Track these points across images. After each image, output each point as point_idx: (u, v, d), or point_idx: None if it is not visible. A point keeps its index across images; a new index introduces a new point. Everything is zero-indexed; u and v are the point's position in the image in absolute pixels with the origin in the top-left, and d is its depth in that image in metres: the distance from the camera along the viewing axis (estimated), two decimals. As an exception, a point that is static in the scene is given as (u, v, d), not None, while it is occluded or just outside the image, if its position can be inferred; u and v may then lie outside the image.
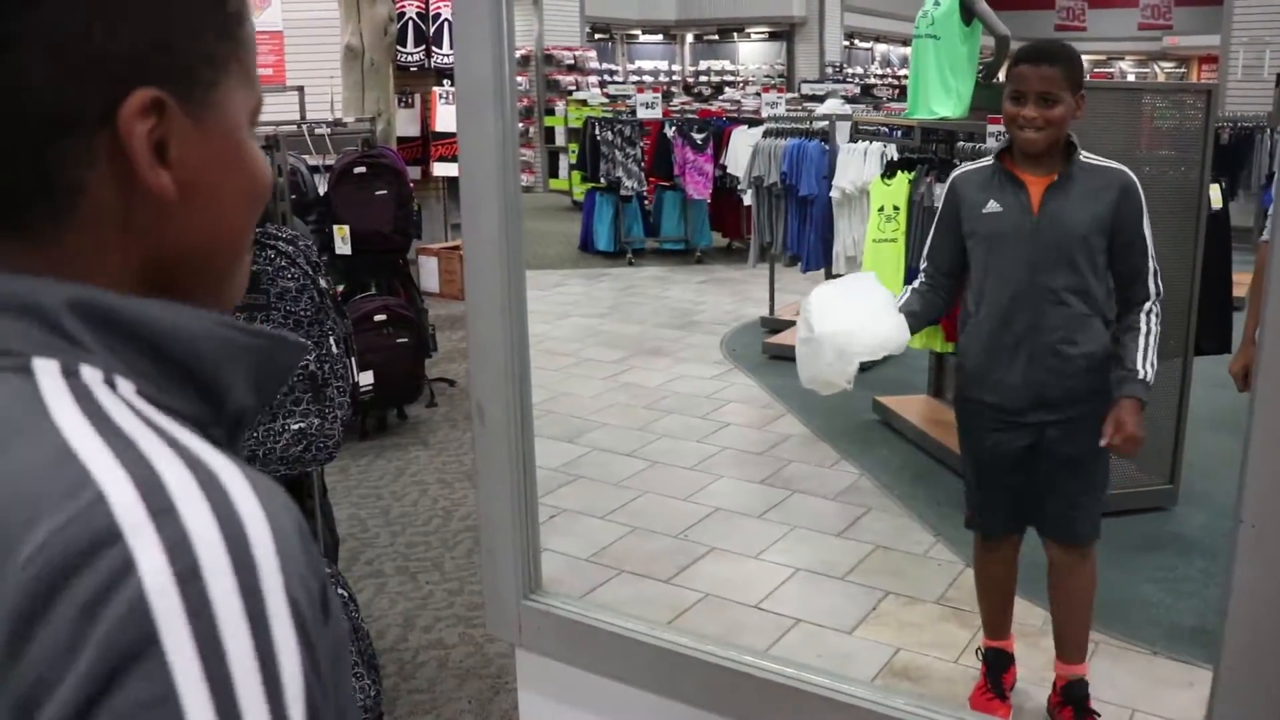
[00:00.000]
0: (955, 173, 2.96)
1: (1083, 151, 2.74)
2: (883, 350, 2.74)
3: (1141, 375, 2.67)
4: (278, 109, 7.02)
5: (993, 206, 2.76)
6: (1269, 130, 10.04)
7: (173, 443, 0.57)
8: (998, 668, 3.07)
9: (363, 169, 5.50)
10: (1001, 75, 5.46)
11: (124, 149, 0.62)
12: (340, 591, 2.71)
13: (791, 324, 7.37)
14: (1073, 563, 2.87)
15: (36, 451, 0.56)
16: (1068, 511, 2.85)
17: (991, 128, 4.65)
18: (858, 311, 2.71)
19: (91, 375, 0.60)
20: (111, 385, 0.60)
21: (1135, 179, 2.72)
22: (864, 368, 2.79)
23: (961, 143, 5.02)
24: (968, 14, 5.14)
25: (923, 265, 2.96)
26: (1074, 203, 2.69)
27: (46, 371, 0.59)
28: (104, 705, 0.49)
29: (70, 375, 0.59)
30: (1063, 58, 2.69)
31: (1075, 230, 2.68)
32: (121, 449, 0.56)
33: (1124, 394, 2.66)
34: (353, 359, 2.58)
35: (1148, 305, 2.72)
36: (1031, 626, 3.43)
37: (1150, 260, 2.72)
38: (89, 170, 0.62)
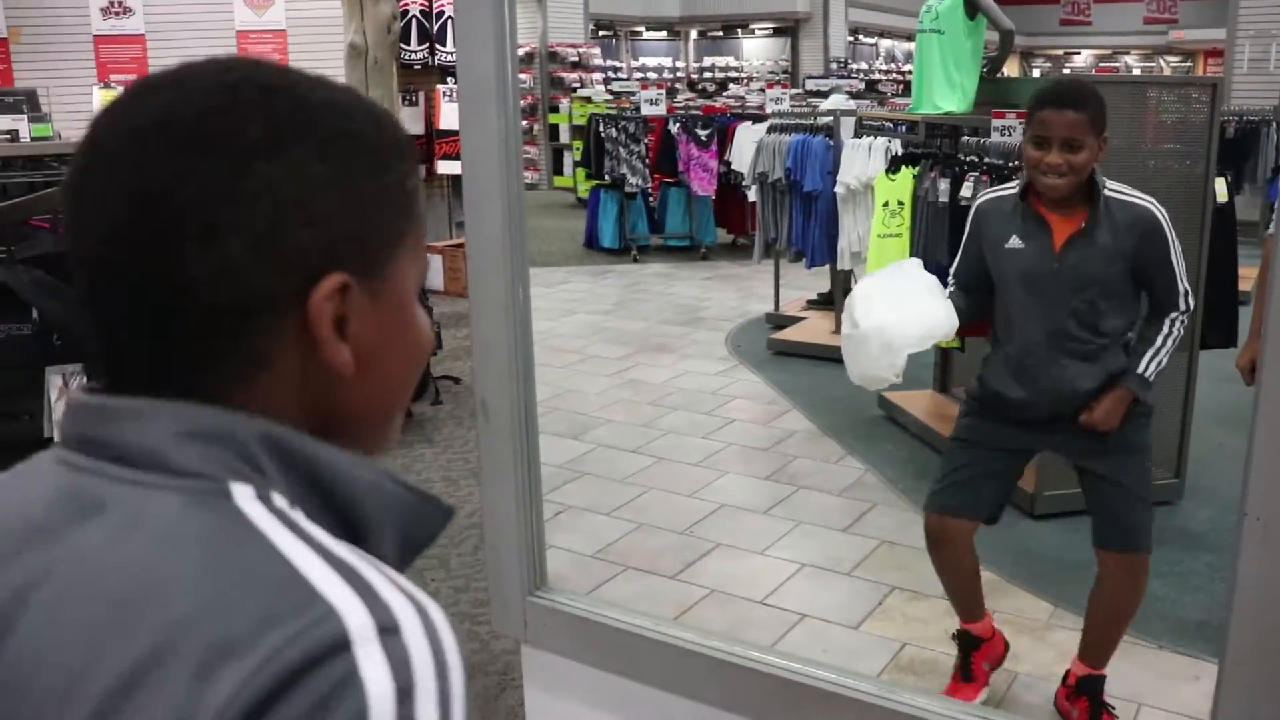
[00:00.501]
0: (980, 199, 2.93)
1: (1110, 184, 2.69)
2: (930, 339, 2.74)
3: (1142, 371, 2.71)
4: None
5: (1014, 243, 2.73)
6: (1274, 124, 10.02)
7: (380, 569, 0.63)
8: (967, 648, 3.08)
9: (367, 167, 5.50)
10: (1006, 69, 5.46)
11: (310, 327, 0.68)
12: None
13: (796, 320, 7.38)
14: (1124, 575, 2.85)
15: (260, 565, 0.62)
16: (1126, 522, 2.82)
17: (996, 122, 4.65)
18: (902, 301, 2.71)
19: (282, 502, 0.66)
20: (294, 512, 0.66)
21: (1161, 216, 2.68)
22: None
23: (966, 137, 5.01)
24: (972, 8, 5.13)
25: (950, 280, 2.93)
26: (1098, 248, 2.66)
27: (245, 496, 0.65)
28: None
29: (264, 500, 0.65)
30: (1087, 101, 2.64)
31: (1096, 275, 2.67)
32: (344, 571, 0.62)
33: (1119, 384, 2.71)
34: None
35: (1174, 315, 2.73)
36: (1037, 621, 3.44)
37: (1179, 283, 2.71)
38: (277, 343, 0.68)
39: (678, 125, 9.91)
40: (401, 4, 8.92)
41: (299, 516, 0.66)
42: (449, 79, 9.25)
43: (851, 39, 21.38)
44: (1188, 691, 3.06)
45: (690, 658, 2.01)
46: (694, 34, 22.65)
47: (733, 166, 9.37)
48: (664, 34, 22.23)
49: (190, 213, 0.65)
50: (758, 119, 9.23)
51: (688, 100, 13.54)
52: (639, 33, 21.93)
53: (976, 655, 3.08)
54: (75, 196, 0.68)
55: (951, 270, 2.96)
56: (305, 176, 0.67)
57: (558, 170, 14.70)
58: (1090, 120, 2.61)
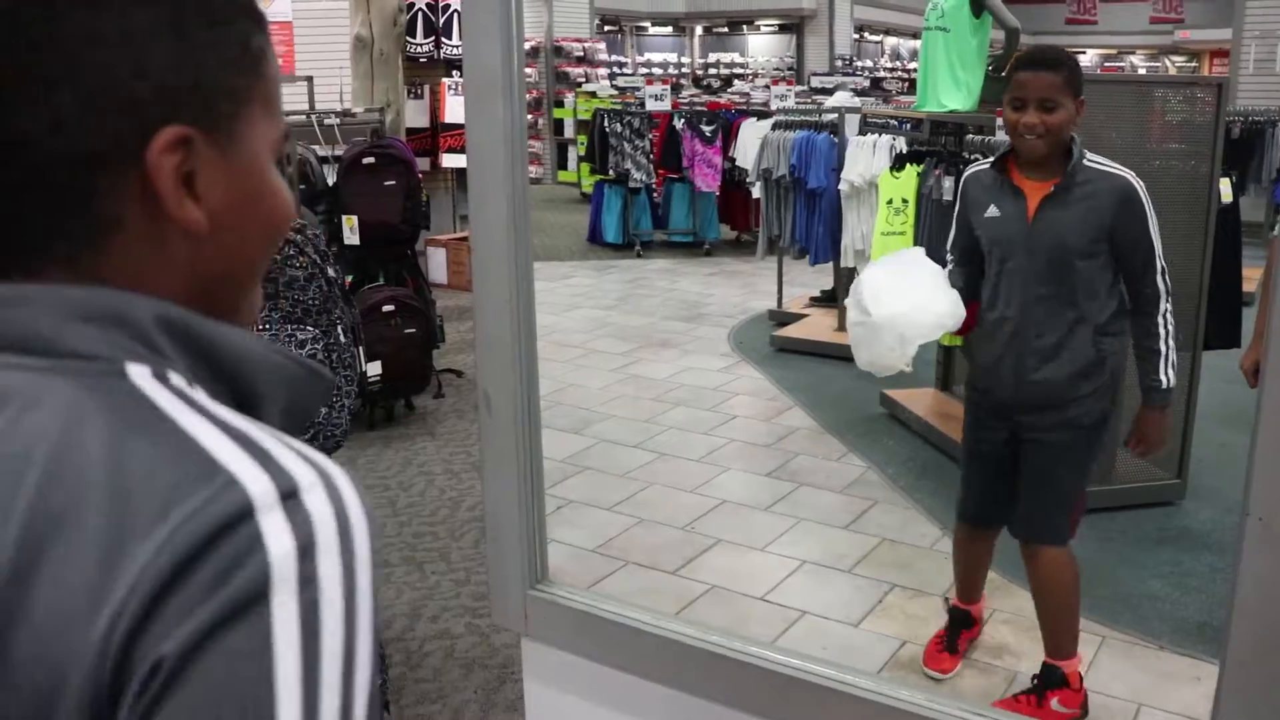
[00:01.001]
0: (967, 170, 2.99)
1: (1089, 155, 2.72)
2: (940, 329, 2.78)
3: (1164, 384, 2.75)
4: (287, 99, 7.01)
5: (993, 211, 2.80)
6: (1280, 125, 10.00)
7: (281, 439, 0.64)
8: (957, 624, 3.20)
9: (371, 160, 5.50)
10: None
11: (152, 181, 0.66)
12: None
13: (799, 317, 7.38)
14: (1038, 564, 2.91)
15: (160, 441, 0.62)
16: (1034, 513, 2.91)
17: (1001, 120, 4.64)
18: (913, 291, 2.75)
19: (180, 380, 0.66)
20: (193, 389, 0.66)
21: (1138, 186, 2.70)
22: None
23: (971, 135, 5.00)
24: (977, 6, 5.12)
25: (948, 255, 3.01)
26: (1070, 212, 2.69)
27: (141, 375, 0.65)
28: (209, 648, 0.55)
29: (161, 379, 0.65)
30: (1062, 64, 2.69)
31: (1068, 240, 2.70)
32: (245, 442, 0.62)
33: (1148, 403, 2.77)
34: (360, 348, 2.59)
35: (1161, 307, 2.73)
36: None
37: (1157, 260, 2.72)
38: (123, 203, 0.66)
39: (682, 121, 9.91)
40: (407, -3, 8.91)
41: (198, 393, 0.66)
42: (454, 72, 9.25)
43: (857, 36, 21.36)
44: (1188, 692, 3.06)
45: (690, 653, 2.00)
46: (699, 30, 22.63)
47: (737, 163, 9.36)
48: (669, 29, 22.21)
49: (13, 64, 0.63)
50: (762, 115, 9.22)
51: (693, 96, 13.52)
52: (644, 28, 21.91)
53: (965, 633, 3.19)
54: None
55: (948, 243, 3.02)
56: (132, 25, 0.65)
57: (562, 165, 14.69)
58: (1065, 81, 2.64)
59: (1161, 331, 2.74)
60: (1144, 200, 2.69)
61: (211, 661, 0.56)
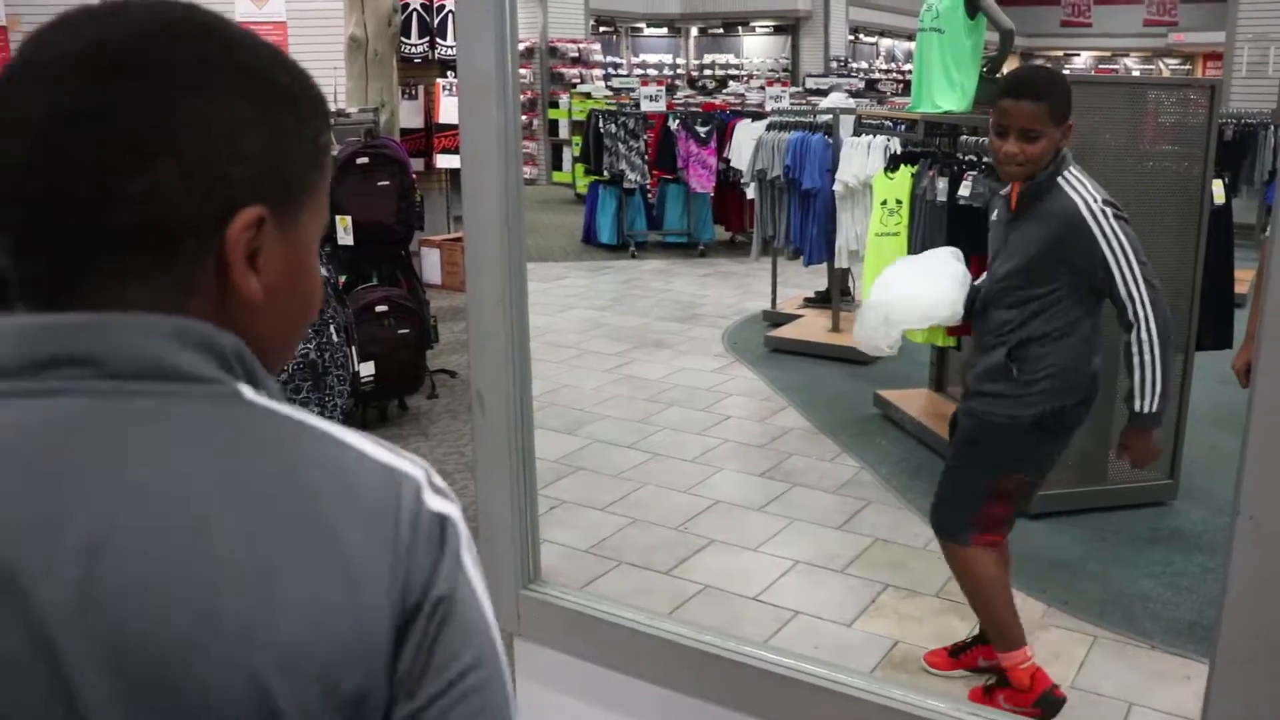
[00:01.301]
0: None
1: (1071, 170, 2.72)
2: (926, 321, 2.91)
3: (1141, 409, 2.72)
4: (281, 99, 7.00)
5: (994, 216, 2.93)
6: (1272, 127, 10.03)
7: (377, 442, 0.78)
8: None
9: (366, 160, 5.50)
10: (1006, 69, 5.45)
11: (227, 254, 0.72)
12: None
13: (793, 318, 7.39)
14: (947, 556, 2.98)
15: (339, 447, 0.74)
16: (936, 499, 3.00)
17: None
18: (914, 282, 2.86)
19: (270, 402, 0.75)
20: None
21: (1090, 216, 2.67)
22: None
23: (965, 137, 5.01)
24: (972, 8, 5.13)
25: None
26: (1026, 226, 2.76)
27: (255, 396, 0.74)
28: (460, 583, 0.75)
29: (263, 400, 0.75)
30: (1047, 91, 2.68)
31: (1019, 251, 2.76)
32: (372, 441, 0.76)
33: (1129, 424, 2.78)
34: (353, 348, 2.59)
35: (1139, 332, 2.68)
36: (1030, 620, 3.43)
37: (1123, 284, 2.67)
38: (200, 269, 0.72)
39: (677, 122, 9.91)
40: (402, -3, 8.91)
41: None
42: (449, 73, 9.24)
43: (852, 38, 21.39)
44: (1179, 691, 3.07)
45: (683, 652, 2.01)
46: (694, 31, 22.63)
47: (732, 164, 9.37)
48: (665, 30, 22.22)
49: (125, 135, 0.68)
50: (757, 116, 9.23)
51: (687, 97, 13.53)
52: (639, 29, 21.91)
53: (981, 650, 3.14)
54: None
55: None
56: (234, 115, 0.72)
57: (556, 166, 14.69)
58: (1049, 110, 2.64)
59: (1136, 355, 2.69)
60: (1094, 225, 2.66)
61: (463, 592, 0.74)
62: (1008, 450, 2.85)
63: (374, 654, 0.70)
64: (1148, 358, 2.68)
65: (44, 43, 0.70)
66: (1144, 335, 2.68)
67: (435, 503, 0.75)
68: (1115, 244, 2.66)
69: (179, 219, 0.70)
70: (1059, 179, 2.71)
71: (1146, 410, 2.71)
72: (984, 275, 2.94)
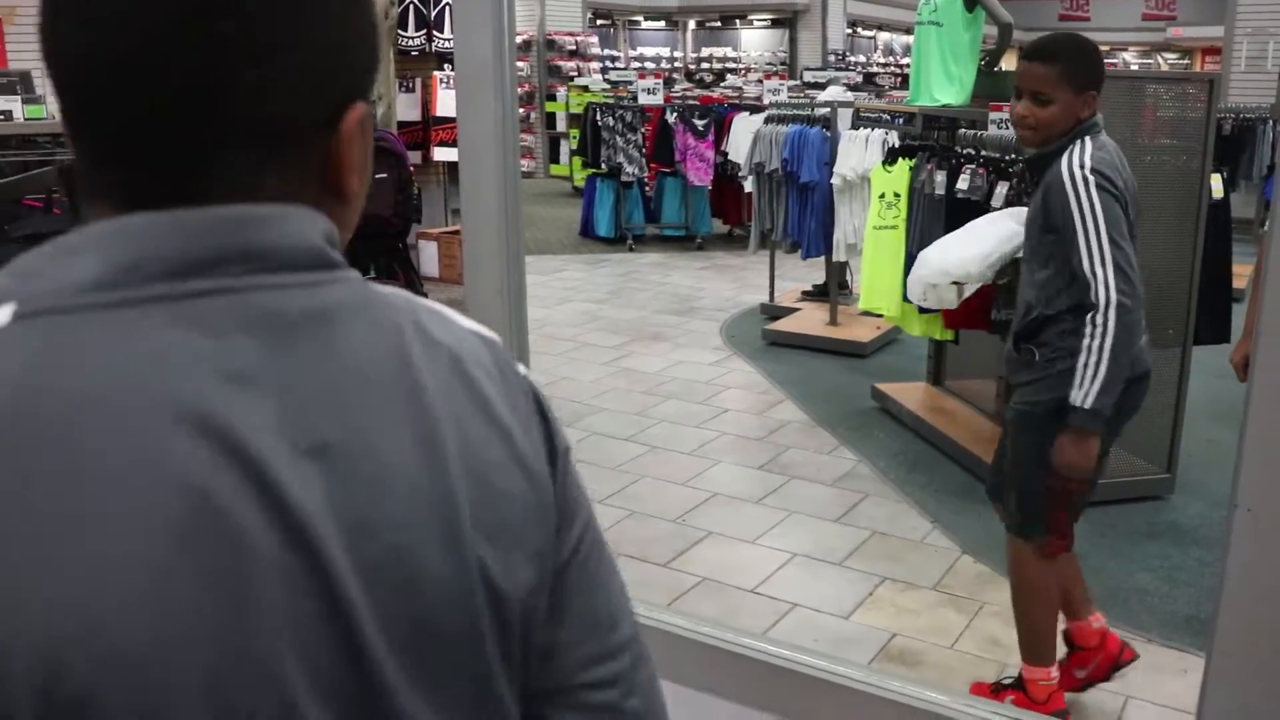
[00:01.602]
0: None
1: (1085, 145, 2.57)
2: (945, 275, 3.06)
3: (1076, 402, 2.50)
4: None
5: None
6: (1271, 121, 10.03)
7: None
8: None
9: (365, 151, 5.49)
10: (1004, 63, 5.45)
11: (340, 149, 0.70)
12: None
13: (790, 311, 7.39)
14: (1008, 548, 2.88)
15: (446, 320, 0.76)
16: (1006, 496, 2.84)
17: (993, 115, 4.65)
18: (956, 239, 2.89)
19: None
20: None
21: (1069, 177, 2.53)
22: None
23: (963, 130, 5.01)
24: (970, 1, 5.13)
25: None
26: (1035, 195, 2.73)
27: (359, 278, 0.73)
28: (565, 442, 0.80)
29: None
30: (1061, 55, 2.59)
31: (1028, 224, 2.75)
32: (457, 314, 0.79)
33: (1064, 423, 2.55)
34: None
35: (1094, 315, 2.50)
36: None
37: (1096, 266, 2.49)
38: (310, 163, 0.70)
39: (675, 115, 9.90)
40: (399, -11, 8.88)
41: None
42: (446, 66, 9.22)
43: (850, 31, 21.35)
44: (1175, 685, 3.08)
45: (681, 643, 2.01)
46: (692, 24, 22.59)
47: (729, 157, 9.36)
48: (662, 24, 22.18)
49: (259, 21, 0.65)
50: (755, 110, 9.22)
51: (685, 90, 13.52)
52: (637, 22, 21.87)
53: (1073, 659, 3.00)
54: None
55: None
56: (347, 12, 0.70)
57: (554, 159, 14.68)
58: (1061, 73, 2.55)
59: (1087, 338, 2.50)
60: (1070, 186, 2.52)
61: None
62: (1043, 442, 2.61)
63: (545, 506, 0.75)
64: (1096, 344, 2.48)
65: None
66: (1100, 321, 2.48)
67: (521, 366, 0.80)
68: (1087, 211, 2.50)
69: (300, 111, 0.68)
70: (1070, 147, 2.57)
71: (1081, 402, 2.49)
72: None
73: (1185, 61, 23.58)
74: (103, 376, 0.60)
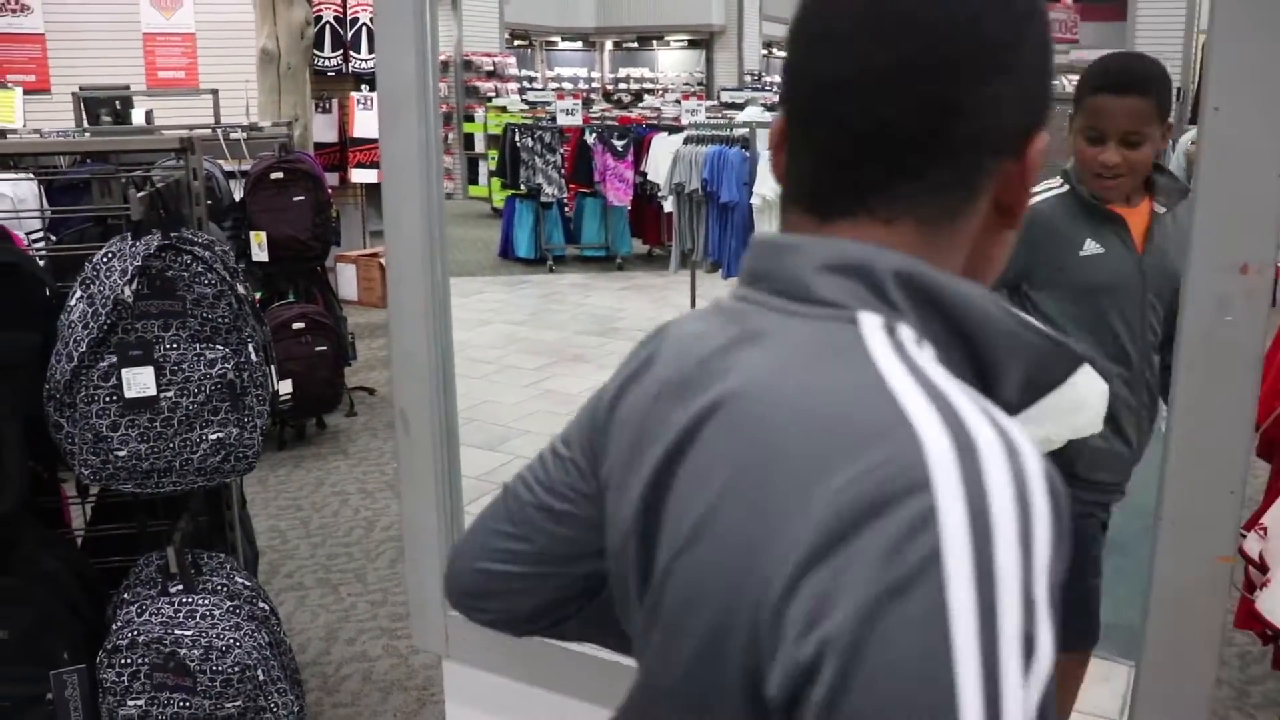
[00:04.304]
0: (1036, 201, 2.23)
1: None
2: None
3: None
4: (191, 113, 6.87)
5: (1092, 247, 2.24)
6: (1171, 141, 10.36)
7: (976, 400, 0.64)
8: None
9: (280, 174, 5.40)
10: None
11: (1015, 175, 0.74)
12: (261, 605, 2.65)
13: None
14: None
15: (853, 377, 0.65)
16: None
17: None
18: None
19: (907, 334, 0.69)
20: (919, 345, 0.69)
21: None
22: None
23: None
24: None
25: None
26: (1170, 236, 2.25)
27: (870, 324, 0.69)
28: (885, 615, 0.55)
29: (889, 331, 0.68)
30: (1153, 83, 2.15)
31: (1175, 269, 2.07)
32: (934, 396, 0.63)
33: None
34: (272, 367, 2.53)
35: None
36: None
37: None
38: (988, 177, 0.73)
39: (594, 136, 9.92)
40: (315, 9, 8.79)
41: (923, 350, 0.68)
42: (363, 86, 9.14)
43: (765, 52, 21.62)
44: (1097, 692, 3.13)
45: (614, 670, 1.99)
46: (609, 45, 22.71)
47: (649, 177, 9.40)
48: (579, 44, 22.25)
49: (988, 45, 0.71)
50: (673, 130, 9.28)
51: (604, 111, 13.55)
52: (554, 43, 21.92)
53: None
54: (863, 28, 0.71)
55: None
56: (1045, 39, 0.75)
57: (473, 180, 14.60)
58: (1157, 106, 2.13)
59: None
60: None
61: (889, 628, 0.55)
62: None
63: None
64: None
65: None
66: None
67: (943, 497, 0.58)
68: None
69: (999, 135, 0.72)
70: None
71: None
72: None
73: (1089, 83, 24.30)
74: None
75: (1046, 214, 2.22)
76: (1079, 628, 2.53)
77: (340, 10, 9.13)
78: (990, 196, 0.74)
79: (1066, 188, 2.24)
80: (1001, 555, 0.56)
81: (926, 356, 0.67)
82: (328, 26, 9.07)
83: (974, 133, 0.71)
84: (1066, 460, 2.12)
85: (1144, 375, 2.30)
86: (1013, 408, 0.72)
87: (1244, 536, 2.65)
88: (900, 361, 0.66)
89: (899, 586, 0.55)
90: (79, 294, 2.38)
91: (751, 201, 6.36)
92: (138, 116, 6.72)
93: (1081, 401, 1.95)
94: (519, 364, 6.86)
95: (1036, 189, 2.19)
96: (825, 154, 0.74)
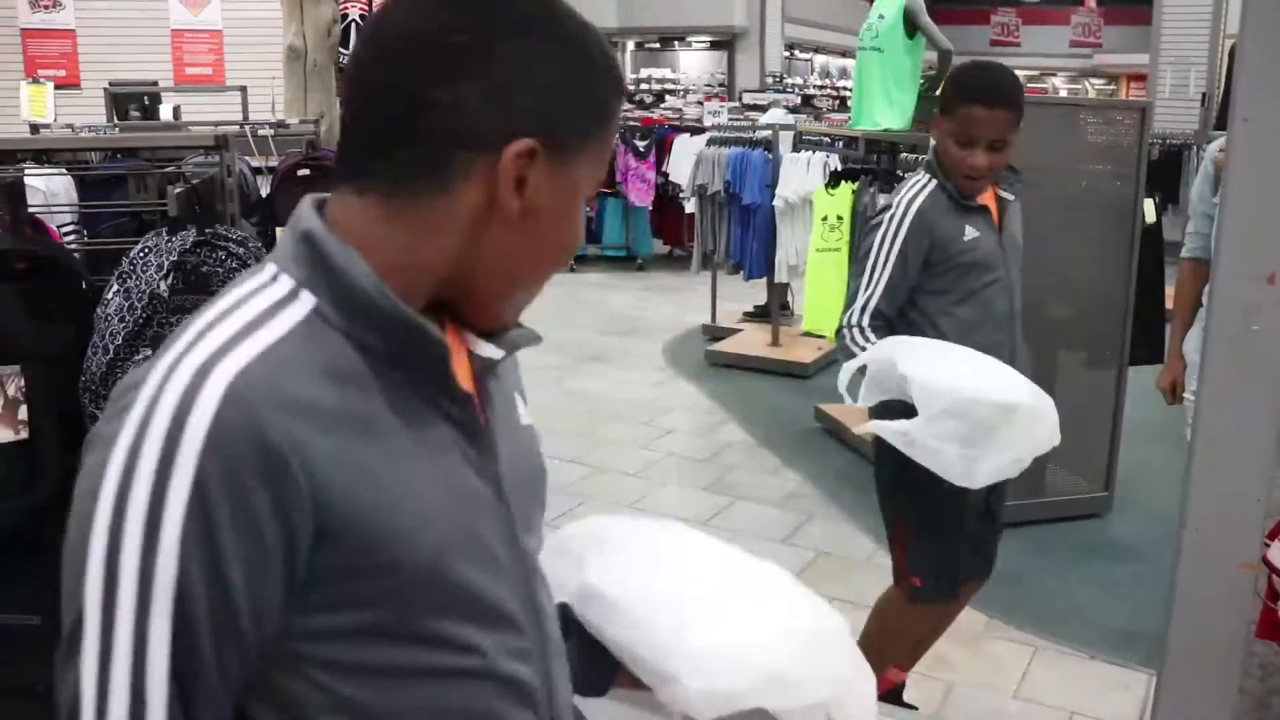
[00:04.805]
0: (917, 199, 2.52)
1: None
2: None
3: None
4: (218, 109, 6.92)
5: (970, 232, 2.51)
6: (1195, 147, 10.30)
7: (244, 333, 0.81)
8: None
9: (306, 171, 5.43)
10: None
11: (500, 174, 0.86)
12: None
13: (732, 332, 7.43)
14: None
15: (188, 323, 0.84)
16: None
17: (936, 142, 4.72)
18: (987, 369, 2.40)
19: (283, 282, 0.85)
20: (294, 296, 0.85)
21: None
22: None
23: (904, 154, 5.09)
24: (911, 27, 5.21)
25: (880, 306, 2.50)
26: (1013, 219, 2.61)
27: (265, 273, 0.87)
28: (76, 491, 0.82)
29: (274, 279, 0.86)
30: (1016, 93, 2.43)
31: (1020, 245, 2.64)
32: (192, 340, 0.80)
33: None
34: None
35: None
36: (973, 631, 3.49)
37: None
38: (468, 172, 0.86)
39: (616, 136, 9.92)
40: (341, 7, 8.84)
41: (273, 290, 0.85)
42: (387, 84, 9.17)
43: (787, 54, 21.58)
44: (1117, 699, 3.13)
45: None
46: (631, 45, 22.71)
47: (670, 178, 9.41)
48: (601, 44, 22.26)
49: (450, 54, 0.85)
50: (695, 131, 9.29)
51: (626, 111, 13.56)
52: (577, 43, 21.93)
53: None
54: (368, 33, 0.90)
55: (878, 299, 2.50)
56: (538, 62, 0.87)
57: (494, 178, 14.62)
58: (1018, 115, 2.41)
59: None
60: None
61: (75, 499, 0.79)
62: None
63: None
64: None
65: None
66: None
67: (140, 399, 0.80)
68: None
69: (466, 132, 0.85)
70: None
71: None
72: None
73: (1111, 87, 24.17)
74: None
75: (931, 208, 2.50)
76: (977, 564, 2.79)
77: (366, 8, 9.19)
78: (482, 191, 0.86)
79: (935, 184, 2.51)
80: (134, 498, 0.75)
81: (278, 299, 0.84)
82: (353, 24, 9.12)
83: (437, 125, 0.85)
84: None
85: (1014, 339, 2.58)
86: (380, 360, 0.85)
87: (1268, 545, 2.64)
88: (243, 305, 0.83)
89: (80, 488, 0.78)
90: (116, 288, 2.41)
91: (774, 204, 6.36)
92: (165, 112, 6.77)
93: (1037, 418, 2.18)
94: (539, 363, 6.87)
95: (909, 186, 2.56)
96: (341, 130, 0.90)
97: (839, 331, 2.57)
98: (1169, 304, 4.88)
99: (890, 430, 2.17)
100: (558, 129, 0.88)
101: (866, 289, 2.51)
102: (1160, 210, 5.29)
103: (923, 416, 2.12)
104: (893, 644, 2.81)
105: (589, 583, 1.17)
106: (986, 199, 2.56)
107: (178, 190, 2.40)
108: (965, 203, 2.50)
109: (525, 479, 1.01)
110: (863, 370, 2.32)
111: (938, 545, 2.64)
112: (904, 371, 2.16)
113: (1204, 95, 11.68)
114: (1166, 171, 10.12)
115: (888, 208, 2.56)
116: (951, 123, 2.44)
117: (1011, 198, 2.58)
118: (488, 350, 0.95)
